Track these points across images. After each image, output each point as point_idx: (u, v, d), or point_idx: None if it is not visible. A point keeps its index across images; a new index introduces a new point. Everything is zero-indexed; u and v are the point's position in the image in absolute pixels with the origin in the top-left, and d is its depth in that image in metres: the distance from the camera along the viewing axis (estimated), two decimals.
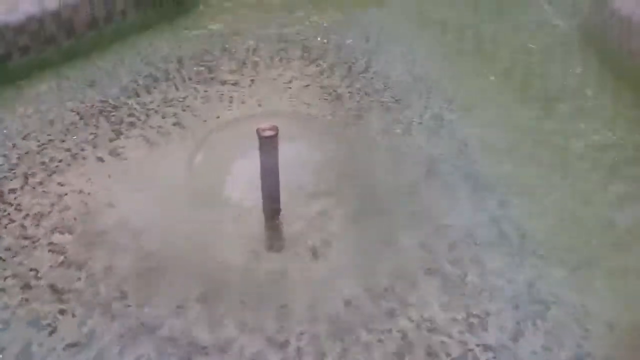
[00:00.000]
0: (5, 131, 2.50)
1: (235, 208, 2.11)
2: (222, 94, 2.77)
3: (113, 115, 2.63)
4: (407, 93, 2.78)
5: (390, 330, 1.69)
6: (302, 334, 1.68)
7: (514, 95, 2.79)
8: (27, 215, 2.08)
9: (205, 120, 2.58)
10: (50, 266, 1.89)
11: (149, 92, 2.79)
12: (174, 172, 2.26)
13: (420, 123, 2.56)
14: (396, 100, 2.72)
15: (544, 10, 3.74)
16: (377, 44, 3.25)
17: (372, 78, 2.92)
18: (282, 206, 2.07)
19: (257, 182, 2.01)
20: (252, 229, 2.02)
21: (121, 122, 2.58)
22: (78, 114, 2.63)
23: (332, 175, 2.24)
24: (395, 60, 3.08)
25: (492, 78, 2.93)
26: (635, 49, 2.92)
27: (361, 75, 2.94)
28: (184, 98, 2.73)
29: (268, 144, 1.96)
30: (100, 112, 2.65)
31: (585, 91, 2.83)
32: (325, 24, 3.47)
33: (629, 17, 3.00)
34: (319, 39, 3.29)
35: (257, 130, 1.94)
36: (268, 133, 1.94)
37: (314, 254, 1.95)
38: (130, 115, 2.63)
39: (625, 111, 2.67)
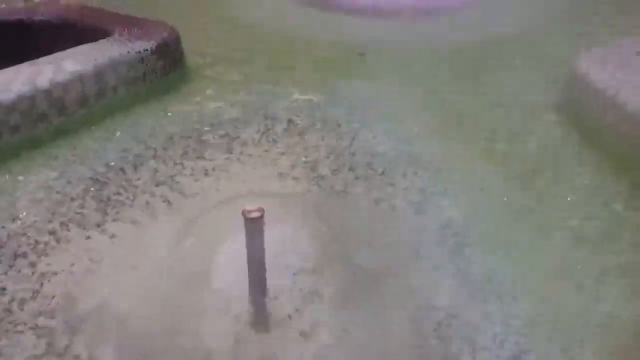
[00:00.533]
0: None
1: (221, 290, 2.10)
2: (210, 172, 2.81)
3: (100, 194, 2.64)
4: (391, 168, 2.83)
5: None
6: None
7: (496, 169, 2.85)
8: (13, 299, 2.07)
9: (193, 200, 2.60)
10: (34, 356, 1.87)
11: (137, 170, 2.82)
12: (161, 253, 2.26)
13: (405, 199, 2.59)
14: (381, 175, 2.77)
15: (522, 82, 3.89)
16: (362, 118, 3.33)
17: (356, 153, 2.97)
18: (268, 287, 2.07)
19: (244, 263, 2.02)
20: (238, 311, 2.01)
21: (108, 200, 2.60)
22: (65, 192, 2.65)
23: (318, 254, 2.25)
24: (380, 134, 3.16)
25: (474, 152, 3.00)
26: (611, 122, 3.01)
27: (346, 150, 3.00)
28: (172, 176, 2.77)
29: (254, 225, 1.98)
30: (88, 190, 2.67)
31: (566, 165, 2.89)
32: (310, 98, 3.58)
33: (604, 90, 3.11)
34: (304, 113, 3.38)
35: (243, 212, 1.96)
36: (254, 215, 1.96)
37: (302, 335, 1.94)
38: (117, 193, 2.65)
39: (605, 184, 2.73)
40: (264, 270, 2.05)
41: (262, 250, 2.02)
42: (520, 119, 3.37)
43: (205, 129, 3.22)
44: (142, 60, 3.59)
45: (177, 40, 3.90)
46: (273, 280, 2.07)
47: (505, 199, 2.61)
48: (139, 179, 2.75)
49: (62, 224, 2.45)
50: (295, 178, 2.75)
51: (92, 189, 2.68)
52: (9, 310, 2.02)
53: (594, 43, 4.32)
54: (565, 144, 3.08)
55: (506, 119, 3.38)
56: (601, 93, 3.11)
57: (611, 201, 2.58)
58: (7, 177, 2.77)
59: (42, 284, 2.13)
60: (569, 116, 3.37)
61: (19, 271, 2.19)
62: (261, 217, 1.97)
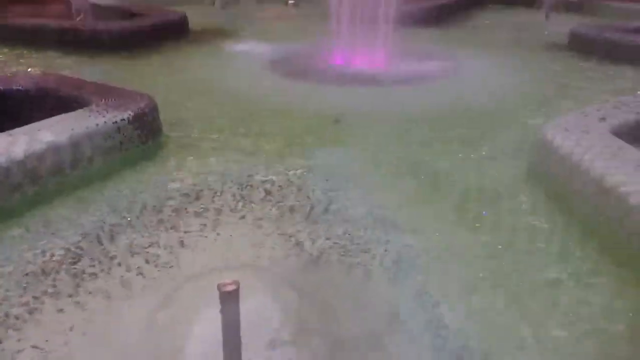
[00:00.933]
0: None
1: None
2: (185, 242, 2.80)
3: (74, 266, 2.62)
4: (366, 235, 2.86)
5: None
6: None
7: (469, 235, 2.90)
8: None
9: (168, 272, 2.58)
10: None
11: (112, 241, 2.81)
12: (135, 328, 2.23)
13: (381, 267, 2.61)
14: (356, 243, 2.80)
15: (493, 148, 4.01)
16: (338, 185, 3.38)
17: (332, 220, 3.00)
18: None
19: (219, 337, 2.00)
20: None
21: (82, 272, 2.57)
22: (38, 264, 2.62)
23: (295, 326, 2.24)
24: (356, 200, 3.20)
25: (448, 218, 3.06)
26: (577, 187, 3.11)
27: (322, 217, 3.03)
28: (147, 247, 2.75)
29: (229, 298, 1.97)
30: (62, 262, 2.65)
31: (538, 231, 2.95)
32: (286, 166, 3.63)
33: (569, 156, 3.22)
34: (280, 182, 3.42)
35: (218, 286, 1.96)
36: (229, 288, 1.96)
37: None
38: (91, 265, 2.62)
39: (575, 247, 2.79)
40: (240, 344, 2.03)
41: (238, 323, 2.01)
42: (492, 184, 3.46)
43: (182, 198, 3.23)
44: (118, 130, 3.63)
45: (154, 109, 3.96)
46: (249, 354, 2.04)
47: (479, 267, 2.64)
48: (113, 250, 2.74)
49: (34, 297, 2.41)
50: (271, 247, 2.76)
51: (66, 260, 2.65)
52: None
53: (560, 111, 4.53)
54: (536, 210, 3.16)
55: (478, 184, 3.47)
56: (567, 159, 3.22)
57: (581, 270, 2.62)
58: None
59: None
60: (538, 181, 3.46)
61: None
62: (237, 290, 1.97)
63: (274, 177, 3.48)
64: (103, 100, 3.94)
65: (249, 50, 7.22)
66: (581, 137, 3.37)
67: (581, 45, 7.23)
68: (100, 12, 9.34)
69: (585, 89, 5.61)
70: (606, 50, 6.85)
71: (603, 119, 3.70)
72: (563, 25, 8.66)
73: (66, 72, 5.84)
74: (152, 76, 5.88)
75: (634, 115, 3.83)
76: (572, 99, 5.24)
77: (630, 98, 4.16)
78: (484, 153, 3.91)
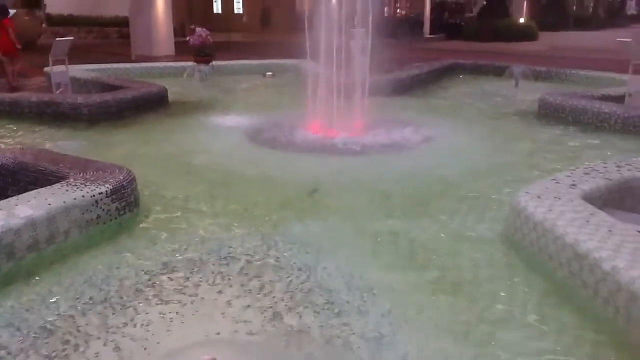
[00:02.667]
0: None
1: None
2: (163, 317, 2.76)
3: (49, 343, 2.56)
4: (346, 306, 2.85)
5: None
6: None
7: (448, 303, 2.90)
8: None
9: (145, 348, 2.53)
10: None
11: (87, 317, 2.76)
12: None
13: (362, 337, 2.60)
14: (336, 314, 2.78)
15: (469, 215, 4.08)
16: (316, 256, 3.38)
17: (311, 291, 2.99)
18: None
19: None
20: None
21: (56, 350, 2.51)
22: (12, 343, 2.55)
23: None
24: (334, 271, 3.21)
25: (426, 286, 3.07)
26: (552, 253, 3.16)
27: (301, 288, 3.02)
28: (125, 323, 2.71)
29: None
30: (36, 339, 2.58)
31: (515, 297, 2.97)
32: (264, 238, 3.64)
33: (543, 222, 3.29)
34: (258, 253, 3.42)
35: None
36: None
37: None
38: (66, 342, 2.57)
39: (552, 314, 2.81)
40: None
41: None
42: (469, 251, 3.50)
43: (159, 271, 3.20)
44: (96, 203, 3.63)
45: (132, 182, 3.97)
46: None
47: (459, 337, 2.64)
48: (89, 326, 2.68)
49: None
50: (250, 321, 2.73)
51: (40, 338, 2.59)
52: None
53: (532, 178, 4.63)
54: (512, 276, 3.18)
55: (455, 251, 3.50)
56: (541, 226, 3.28)
57: (560, 342, 2.63)
58: None
59: None
60: (514, 248, 3.51)
61: None
62: None
63: (252, 250, 3.47)
64: (81, 173, 3.96)
65: (228, 121, 7.34)
66: (554, 204, 3.45)
67: (550, 113, 7.49)
68: (81, 84, 9.49)
69: (555, 156, 5.77)
70: (574, 117, 7.11)
71: (574, 185, 3.80)
72: (532, 92, 8.99)
73: (46, 145, 5.88)
74: (131, 148, 5.92)
75: (603, 180, 3.95)
76: (542, 165, 5.38)
77: (599, 164, 4.29)
78: (459, 222, 3.97)
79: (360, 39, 6.93)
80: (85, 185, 3.72)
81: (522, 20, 33.74)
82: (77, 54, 12.34)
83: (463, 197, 4.43)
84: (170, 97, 8.44)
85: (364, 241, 3.63)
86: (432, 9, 33.99)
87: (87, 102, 7.20)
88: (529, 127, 7.22)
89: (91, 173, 3.97)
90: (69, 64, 9.56)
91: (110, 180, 3.83)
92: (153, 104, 7.88)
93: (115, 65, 11.56)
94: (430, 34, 31.70)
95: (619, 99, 7.81)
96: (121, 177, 3.90)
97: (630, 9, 54.02)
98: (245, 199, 4.39)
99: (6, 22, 11.51)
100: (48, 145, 5.91)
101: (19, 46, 11.44)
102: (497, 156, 5.80)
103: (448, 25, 32.69)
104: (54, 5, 29.23)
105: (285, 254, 3.41)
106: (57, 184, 3.78)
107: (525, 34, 28.58)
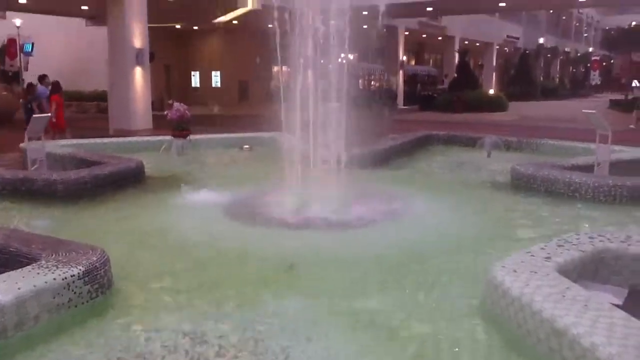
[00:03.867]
0: None
1: None
2: None
3: None
4: None
5: None
6: None
7: None
8: None
9: None
10: None
11: None
12: None
13: None
14: None
15: (443, 291, 4.07)
16: (293, 335, 3.32)
17: None
18: None
19: None
20: None
21: None
22: None
23: None
24: (311, 352, 3.14)
25: None
26: (530, 329, 3.15)
27: None
28: None
29: None
30: None
31: None
32: (240, 317, 3.57)
33: (520, 297, 3.29)
34: (234, 334, 3.34)
35: None
36: None
37: None
38: None
39: None
40: None
41: None
42: (447, 326, 3.46)
43: (131, 357, 3.10)
44: (68, 286, 3.55)
45: (105, 263, 3.90)
46: None
47: None
48: None
49: None
50: None
51: None
52: None
53: (507, 249, 4.66)
54: (492, 353, 3.15)
55: (433, 326, 3.47)
56: (518, 301, 3.28)
57: None
58: None
59: None
60: (492, 323, 3.49)
61: None
62: None
63: (228, 331, 3.40)
64: (53, 255, 3.88)
65: (203, 196, 7.32)
66: (530, 278, 3.46)
67: (523, 183, 7.63)
68: (57, 160, 9.44)
69: (528, 226, 5.84)
70: (546, 187, 7.25)
71: (548, 257, 3.84)
72: (504, 163, 9.18)
73: (18, 224, 5.79)
74: (106, 226, 5.85)
75: (577, 252, 3.99)
76: (517, 237, 5.45)
77: (572, 235, 4.35)
78: (437, 297, 3.95)
79: (335, 111, 7.08)
80: (57, 268, 3.65)
81: (491, 91, 34.93)
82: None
83: (440, 271, 4.42)
84: (147, 171, 8.44)
85: (343, 320, 3.58)
86: (405, 82, 35.08)
87: (62, 179, 7.15)
88: (503, 197, 7.33)
89: (63, 254, 3.90)
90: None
91: (83, 262, 3.76)
92: (129, 179, 7.85)
93: (92, 140, 11.59)
94: (404, 106, 32.55)
95: (589, 169, 8.01)
96: (94, 259, 3.84)
97: (595, 79, 56.28)
98: (221, 278, 4.33)
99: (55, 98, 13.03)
100: (21, 224, 5.82)
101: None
102: (472, 227, 5.85)
103: (421, 97, 33.65)
104: (33, 80, 29.55)
105: (262, 334, 3.34)
106: (28, 266, 3.70)
107: (495, 105, 29.53)
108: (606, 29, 72.55)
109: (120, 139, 12.55)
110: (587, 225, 5.99)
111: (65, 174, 7.45)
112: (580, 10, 64.45)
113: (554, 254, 3.91)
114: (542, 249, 4.03)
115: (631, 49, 33.42)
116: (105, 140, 12.17)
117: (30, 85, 14.51)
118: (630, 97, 34.67)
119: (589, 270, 4.02)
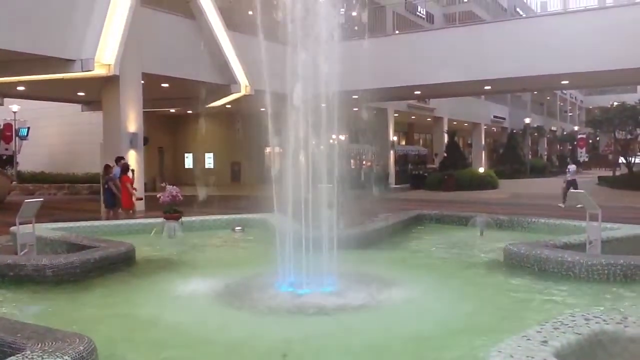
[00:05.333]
0: None
1: None
2: None
3: None
4: None
5: None
6: None
7: None
8: None
9: None
10: None
11: None
12: None
13: None
14: None
15: None
16: None
17: None
18: None
19: None
20: None
21: None
22: None
23: None
24: None
25: None
26: None
27: None
28: None
29: None
30: None
31: None
32: None
33: None
34: None
35: None
36: None
37: None
38: None
39: None
40: None
41: None
42: None
43: None
44: None
45: (92, 353, 3.80)
46: None
47: None
48: None
49: None
50: None
51: None
52: None
53: (502, 332, 4.59)
54: None
55: None
56: None
57: None
58: None
59: None
60: None
61: None
62: None
63: None
64: (39, 344, 3.78)
65: (194, 280, 7.22)
66: None
67: (516, 262, 7.59)
68: (47, 243, 9.36)
69: (524, 308, 5.77)
70: (539, 266, 7.22)
71: (545, 341, 3.77)
72: (497, 242, 9.17)
73: (5, 312, 5.67)
74: (94, 312, 5.74)
75: (573, 335, 3.93)
76: (512, 318, 5.36)
77: (567, 317, 4.30)
78: None
79: (327, 193, 7.13)
80: (43, 358, 3.54)
81: (481, 169, 35.44)
82: (45, 212, 12.33)
83: (437, 357, 4.33)
84: (138, 255, 8.36)
85: None
86: (396, 161, 35.60)
87: (52, 264, 7.07)
88: (496, 277, 7.28)
89: (50, 343, 3.80)
90: (36, 221, 9.51)
91: (70, 352, 3.65)
92: (120, 264, 7.77)
93: (83, 224, 11.55)
94: (396, 184, 32.88)
95: (581, 247, 8.01)
96: (81, 348, 3.74)
97: (582, 156, 57.37)
98: None
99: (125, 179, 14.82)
100: (8, 311, 5.70)
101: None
102: (466, 310, 5.77)
103: (412, 176, 34.08)
104: (26, 163, 29.84)
105: None
106: (12, 357, 3.59)
107: (486, 183, 29.92)
108: (590, 107, 74.71)
109: (112, 222, 12.52)
110: (581, 305, 5.93)
111: (55, 258, 7.37)
112: (564, 91, 66.57)
113: (550, 337, 3.85)
114: (538, 332, 3.96)
115: (614, 127, 34.22)
116: (97, 223, 12.13)
117: (108, 166, 15.56)
118: (618, 173, 35.33)
119: (587, 354, 3.94)
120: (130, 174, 15.60)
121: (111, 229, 11.28)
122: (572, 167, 21.52)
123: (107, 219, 14.15)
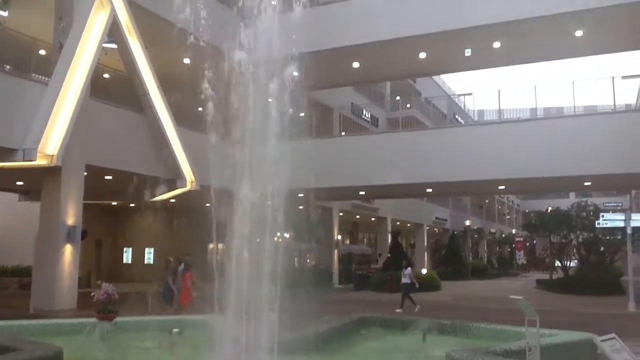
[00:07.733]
0: None
1: None
2: None
3: None
4: None
5: None
6: None
7: None
8: None
9: None
10: None
11: None
12: None
13: None
14: None
15: None
16: None
17: None
18: None
19: None
20: None
21: None
22: None
23: None
24: None
25: None
26: None
27: None
28: None
29: None
30: None
31: None
32: None
33: None
34: None
35: None
36: None
37: None
38: None
39: None
40: None
41: None
42: None
43: None
44: None
45: None
46: None
47: None
48: None
49: None
50: None
51: None
52: None
53: None
54: None
55: None
56: None
57: None
58: None
59: None
60: None
61: None
62: None
63: None
64: None
65: None
66: None
67: None
68: None
69: None
70: None
71: None
72: (439, 347, 9.10)
73: None
74: None
75: None
76: None
77: None
78: None
79: (269, 293, 7.00)
80: None
81: (424, 270, 35.75)
82: None
83: None
84: (66, 359, 7.84)
85: None
86: (340, 260, 35.54)
87: None
88: None
89: None
90: None
91: None
92: None
93: (10, 323, 10.83)
94: (339, 284, 32.67)
95: (521, 354, 8.03)
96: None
97: (520, 258, 58.93)
98: None
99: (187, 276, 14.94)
100: None
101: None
102: None
103: (356, 276, 33.92)
104: None
105: None
106: None
107: (429, 285, 30.04)
108: (526, 211, 77.77)
109: (41, 321, 11.80)
110: None
111: None
112: (502, 195, 69.32)
113: None
114: None
115: (549, 231, 35.59)
116: (24, 322, 11.41)
117: (168, 262, 16.13)
118: (554, 277, 36.27)
119: None
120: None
121: (39, 328, 10.62)
122: (407, 271, 21.75)
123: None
